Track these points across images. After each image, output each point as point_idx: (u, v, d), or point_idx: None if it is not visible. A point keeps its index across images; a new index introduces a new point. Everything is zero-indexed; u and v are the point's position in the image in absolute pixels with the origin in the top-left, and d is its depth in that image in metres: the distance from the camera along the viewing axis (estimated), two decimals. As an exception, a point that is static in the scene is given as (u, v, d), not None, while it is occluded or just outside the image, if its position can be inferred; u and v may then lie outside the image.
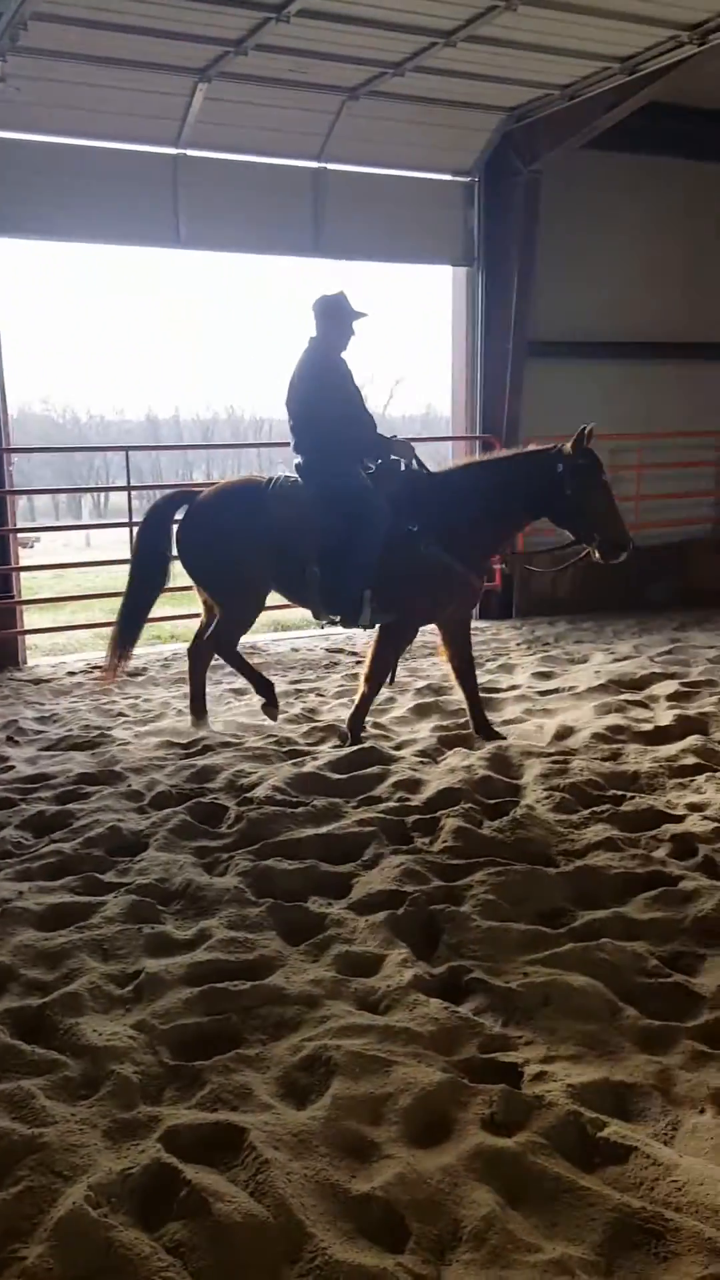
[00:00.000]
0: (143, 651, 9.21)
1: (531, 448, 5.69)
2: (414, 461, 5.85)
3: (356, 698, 5.97)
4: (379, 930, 3.61)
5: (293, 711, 6.66)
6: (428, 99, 8.89)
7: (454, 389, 10.82)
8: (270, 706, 6.11)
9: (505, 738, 5.89)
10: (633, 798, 4.94)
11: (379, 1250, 2.23)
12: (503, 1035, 3.01)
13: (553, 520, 5.64)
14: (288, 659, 8.55)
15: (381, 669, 5.89)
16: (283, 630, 10.54)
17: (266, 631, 10.40)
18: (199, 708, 6.45)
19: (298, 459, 5.87)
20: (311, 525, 5.65)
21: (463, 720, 6.32)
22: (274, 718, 6.17)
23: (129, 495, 9.58)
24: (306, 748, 5.82)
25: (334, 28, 7.31)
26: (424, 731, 6.14)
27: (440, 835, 4.49)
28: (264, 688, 6.12)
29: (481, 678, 7.58)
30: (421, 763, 5.52)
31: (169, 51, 7.65)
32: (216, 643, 6.12)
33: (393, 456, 5.80)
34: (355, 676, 7.09)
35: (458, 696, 7.01)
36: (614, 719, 6.32)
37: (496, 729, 6.07)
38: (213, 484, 6.48)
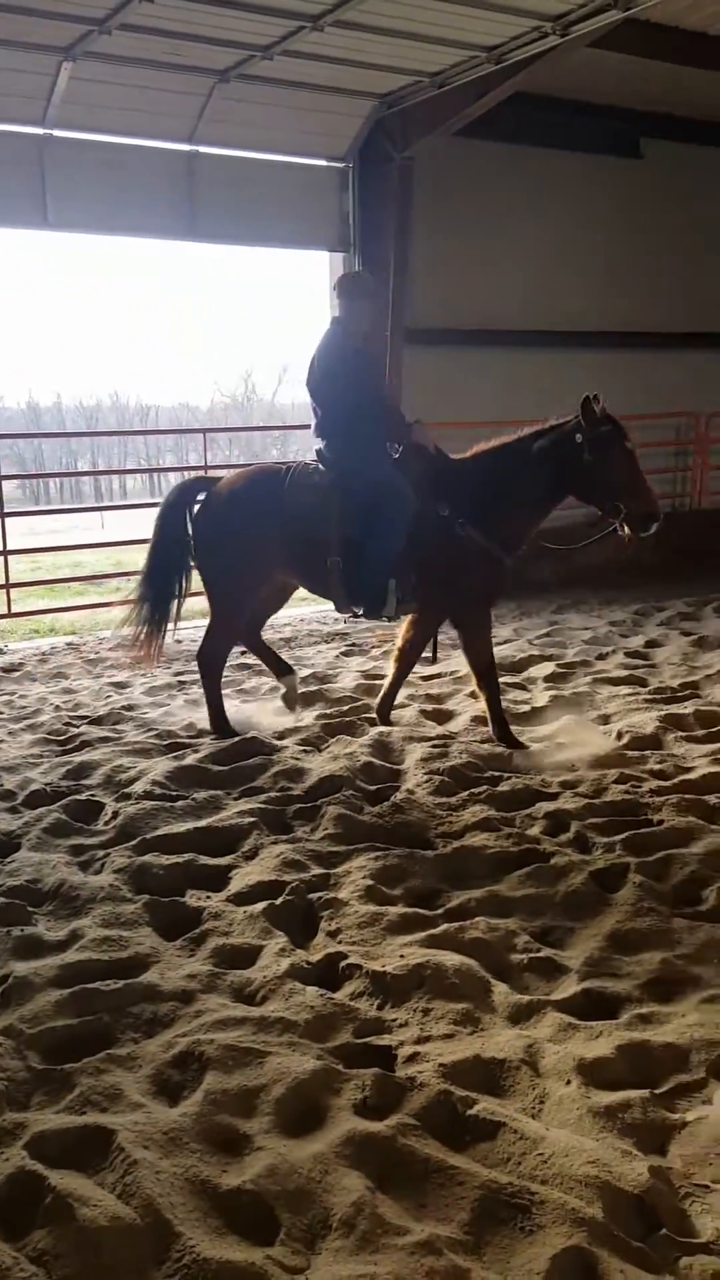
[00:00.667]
0: (19, 646, 8.99)
1: (551, 421, 5.45)
2: (438, 448, 5.63)
3: (489, 708, 5.65)
4: (257, 921, 3.59)
5: (176, 703, 6.57)
6: (299, 84, 8.83)
7: (334, 375, 10.80)
8: (217, 734, 5.82)
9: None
10: (509, 778, 5.03)
11: (248, 1244, 2.22)
12: (378, 1019, 3.03)
13: (577, 496, 5.36)
14: (170, 650, 8.43)
15: (480, 661, 5.65)
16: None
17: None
18: (282, 666, 6.23)
19: (318, 444, 5.65)
20: (332, 513, 5.45)
21: (346, 708, 6.34)
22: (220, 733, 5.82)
23: None
24: (188, 740, 5.75)
25: (201, 9, 7.19)
26: (308, 719, 6.13)
27: (321, 823, 4.49)
28: (221, 721, 5.84)
29: (366, 664, 7.62)
30: (305, 751, 5.51)
31: (32, 29, 7.41)
32: (201, 660, 5.86)
33: (416, 440, 5.56)
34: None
35: (341, 684, 7.05)
36: (494, 701, 6.41)
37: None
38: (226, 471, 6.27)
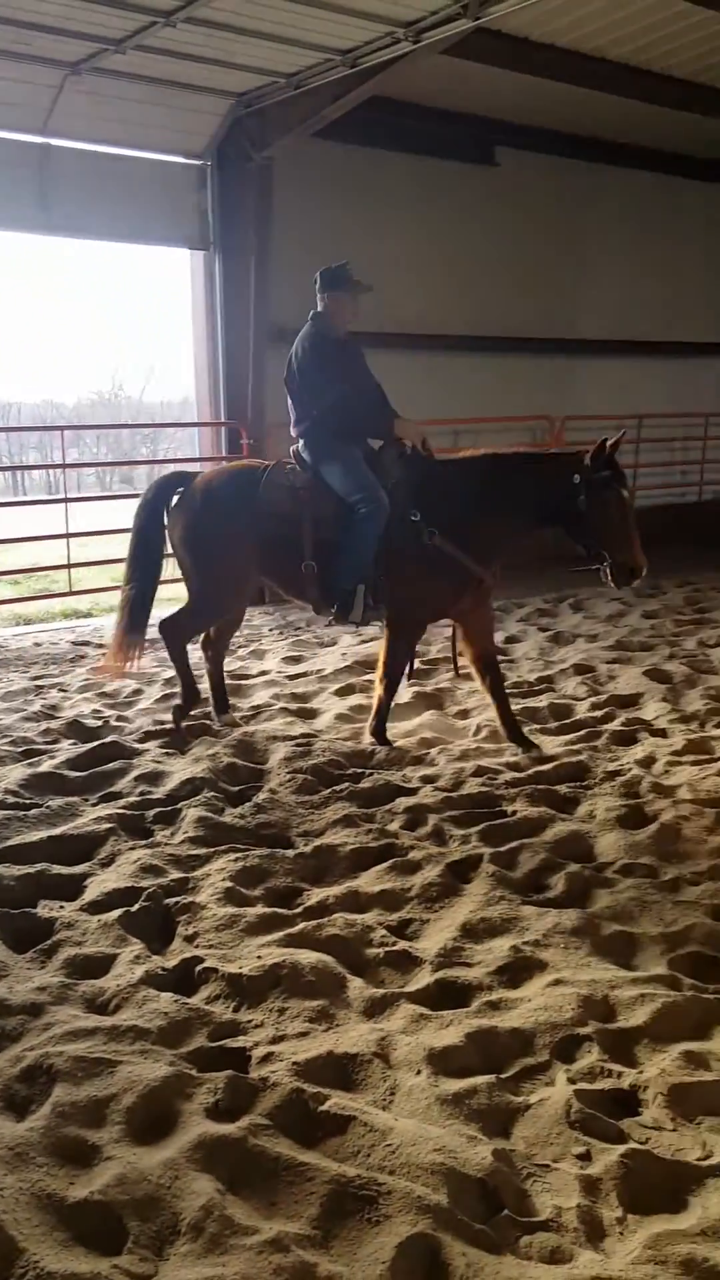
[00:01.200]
0: None
1: (553, 450, 5.31)
2: (421, 446, 5.42)
3: (373, 703, 5.61)
4: (112, 929, 3.53)
5: (31, 709, 6.41)
6: (154, 79, 8.71)
7: (197, 374, 10.71)
8: (180, 712, 5.77)
9: (539, 748, 5.42)
10: (371, 774, 5.08)
11: (95, 1255, 2.19)
12: (233, 1021, 3.03)
13: (565, 531, 5.15)
14: (30, 653, 8.22)
15: (395, 669, 5.52)
16: (24, 624, 10.11)
17: (7, 626, 9.95)
18: (223, 705, 6.07)
19: (299, 442, 5.52)
20: (306, 514, 5.32)
21: (210, 709, 6.29)
22: (177, 723, 5.75)
23: None
24: (44, 746, 5.61)
25: (52, 0, 7.02)
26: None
27: (181, 826, 4.45)
28: (190, 695, 5.77)
29: (231, 664, 7.58)
30: (166, 754, 5.45)
31: None
32: (170, 625, 5.71)
33: (398, 439, 5.38)
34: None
35: (205, 686, 6.98)
36: (357, 699, 6.47)
37: (388, 733, 5.67)
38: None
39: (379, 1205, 2.26)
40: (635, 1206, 2.27)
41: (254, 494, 5.36)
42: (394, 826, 4.45)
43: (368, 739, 5.57)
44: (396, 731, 5.80)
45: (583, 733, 5.77)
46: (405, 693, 6.62)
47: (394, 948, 3.42)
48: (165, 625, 5.73)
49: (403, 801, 4.70)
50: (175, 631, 5.72)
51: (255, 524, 5.34)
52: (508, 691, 5.67)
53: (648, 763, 5.20)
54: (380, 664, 5.55)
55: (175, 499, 5.63)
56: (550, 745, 5.53)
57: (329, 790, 4.87)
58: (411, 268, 11.42)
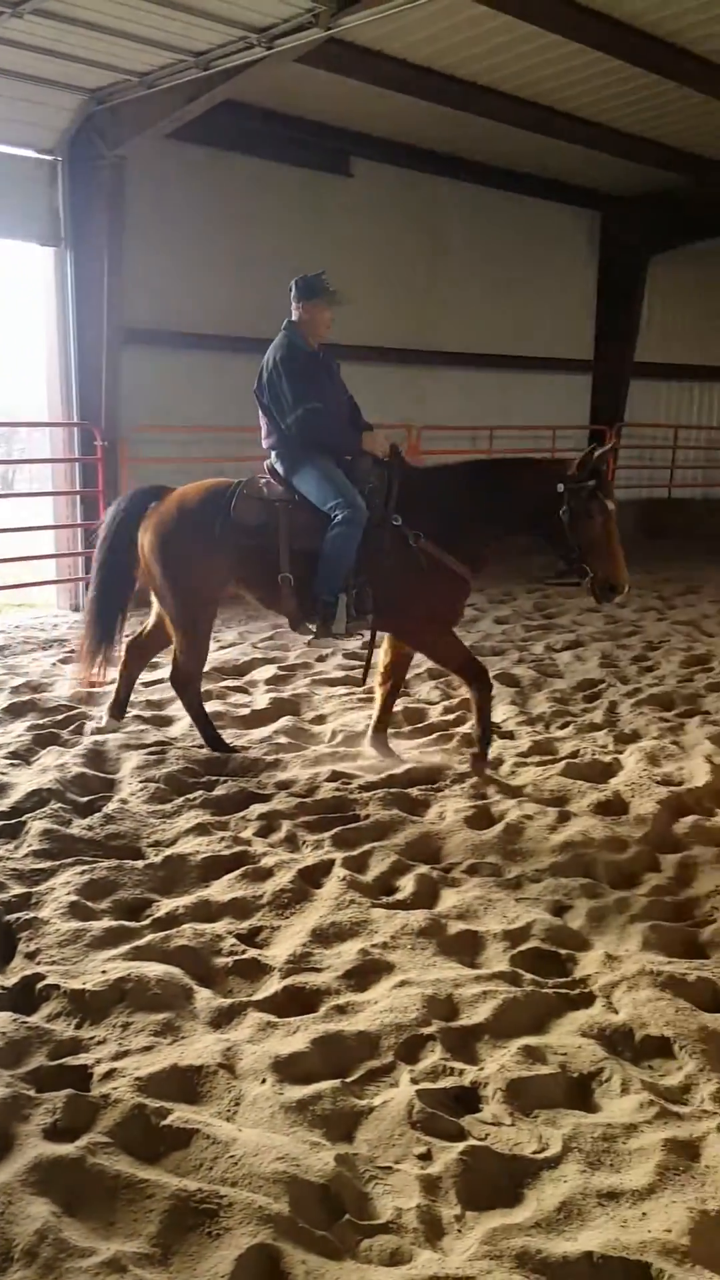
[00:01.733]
0: None
1: (535, 457, 5.25)
2: (395, 455, 5.29)
3: (473, 711, 5.27)
4: (-52, 950, 3.40)
5: None
6: (3, 70, 8.45)
7: (48, 373, 10.43)
8: (220, 748, 5.52)
9: (396, 756, 5.40)
10: (225, 781, 5.04)
11: None
12: (74, 1039, 2.95)
13: (546, 543, 5.02)
14: None
15: (471, 664, 5.24)
16: None
17: None
18: (119, 709, 5.90)
19: (272, 456, 5.37)
20: (281, 525, 5.16)
21: (61, 717, 6.12)
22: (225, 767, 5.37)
23: None
24: None
25: None
26: (18, 731, 5.87)
27: (26, 839, 4.31)
28: (218, 746, 5.52)
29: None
30: (12, 765, 5.27)
31: None
32: (176, 680, 5.55)
33: (365, 449, 5.24)
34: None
35: (57, 693, 6.80)
36: (214, 705, 6.41)
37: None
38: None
39: (220, 1218, 2.23)
40: (473, 1203, 2.31)
41: (228, 508, 5.23)
42: (247, 834, 4.42)
43: (471, 751, 5.30)
44: (250, 738, 5.77)
45: (434, 736, 5.86)
46: (263, 699, 6.61)
47: (243, 956, 3.40)
48: (174, 680, 5.60)
49: (257, 808, 4.67)
50: (184, 679, 5.53)
51: (229, 537, 5.20)
52: (361, 699, 5.72)
53: (495, 764, 5.32)
54: (456, 674, 5.36)
55: (147, 512, 5.46)
56: (404, 749, 5.60)
57: (182, 799, 4.80)
58: (266, 274, 11.41)
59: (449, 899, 3.82)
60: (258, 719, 6.19)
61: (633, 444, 15.71)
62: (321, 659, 7.83)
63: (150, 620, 5.81)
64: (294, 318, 5.38)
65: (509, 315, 14.15)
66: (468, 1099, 2.67)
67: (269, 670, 7.38)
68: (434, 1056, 2.82)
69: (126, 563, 5.51)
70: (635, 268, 14.87)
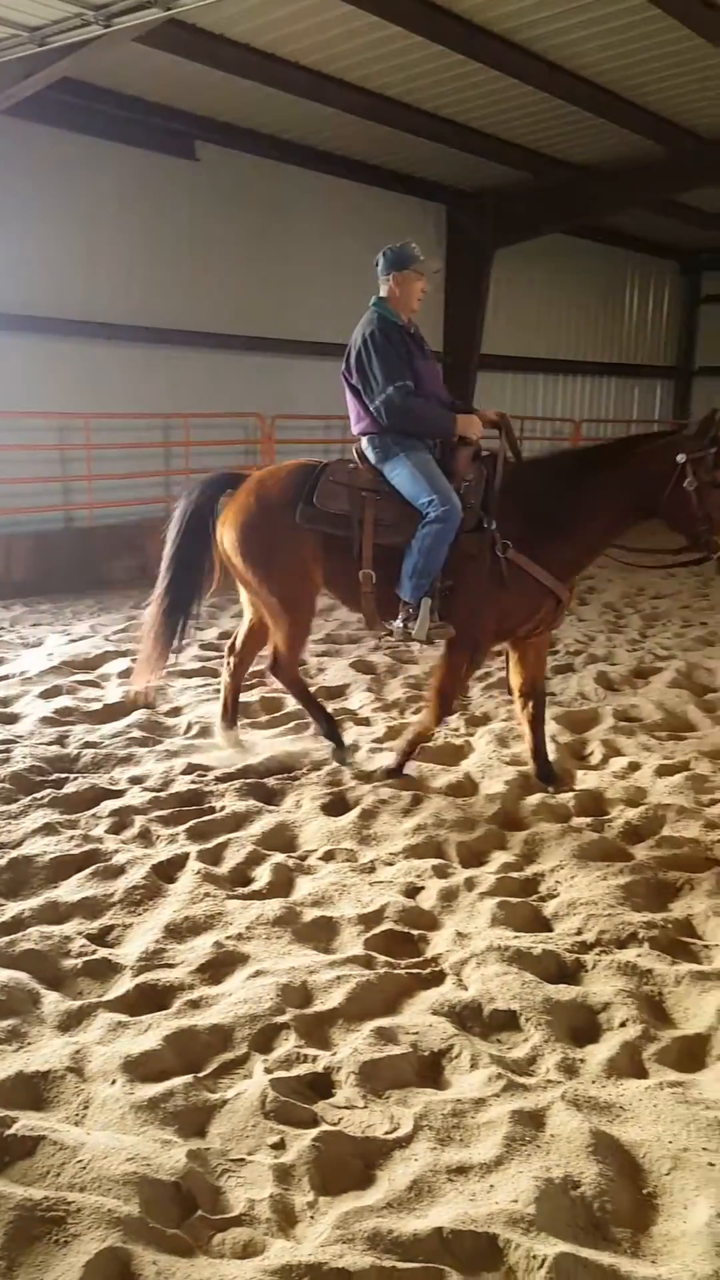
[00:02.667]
0: None
1: (641, 433, 4.78)
2: (507, 431, 4.87)
3: (409, 729, 5.10)
4: None
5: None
6: None
7: None
8: (338, 750, 5.21)
9: (567, 783, 4.93)
10: (76, 779, 4.91)
11: None
12: None
13: (666, 522, 4.56)
14: None
15: (450, 692, 4.88)
16: None
17: None
18: (230, 719, 5.48)
19: (361, 441, 4.97)
20: (366, 519, 4.77)
21: None
22: (342, 761, 5.14)
23: None
24: None
25: None
26: None
27: None
28: (328, 726, 5.25)
29: None
30: None
31: None
32: (275, 667, 5.21)
33: (461, 436, 4.82)
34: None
35: None
36: (64, 701, 6.24)
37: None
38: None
39: (67, 1225, 2.17)
40: (326, 1188, 2.31)
41: (310, 495, 4.85)
42: (98, 831, 4.32)
43: (387, 760, 5.05)
44: (104, 733, 5.64)
45: (292, 725, 5.85)
46: (115, 693, 6.46)
47: (93, 956, 3.31)
48: (272, 668, 5.27)
49: (109, 805, 4.57)
50: (285, 667, 5.20)
51: (309, 524, 4.85)
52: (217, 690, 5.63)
53: (351, 751, 5.35)
54: (434, 685, 4.92)
55: (222, 502, 5.12)
56: (260, 739, 5.57)
57: (29, 798, 4.65)
58: (110, 257, 11.18)
59: (304, 886, 3.82)
60: (109, 713, 6.05)
61: (484, 435, 16.01)
62: (177, 650, 7.68)
63: (244, 621, 5.48)
64: (382, 293, 5.01)
65: (360, 306, 14.17)
66: (321, 1084, 2.67)
67: (123, 663, 7.22)
68: (288, 1045, 2.81)
69: (200, 560, 5.11)
70: (480, 261, 15.16)
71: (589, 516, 4.61)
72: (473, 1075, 2.66)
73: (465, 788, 4.88)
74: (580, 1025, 2.93)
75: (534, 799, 4.67)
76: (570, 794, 4.73)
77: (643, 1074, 2.69)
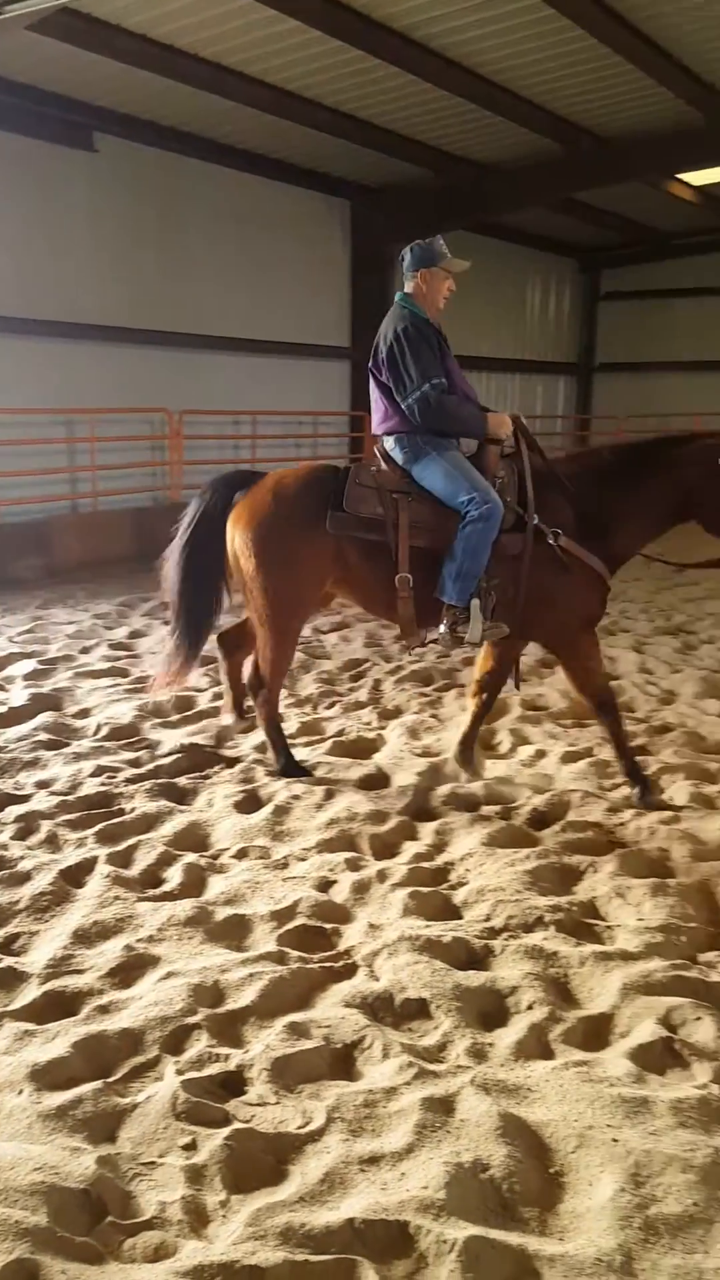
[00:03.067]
0: None
1: (680, 433, 4.71)
2: (526, 436, 4.79)
3: (611, 742, 4.74)
4: None
5: None
6: None
7: None
8: (285, 760, 4.98)
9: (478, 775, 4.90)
10: (-22, 785, 4.80)
11: None
12: None
13: (705, 526, 4.59)
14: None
15: (606, 693, 4.75)
16: None
17: None
18: (239, 703, 5.31)
19: (385, 440, 4.80)
20: (401, 521, 4.60)
21: None
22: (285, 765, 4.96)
23: None
24: None
25: None
26: None
27: None
28: (288, 760, 4.97)
29: None
30: None
31: None
32: (258, 686, 4.95)
33: (491, 435, 4.72)
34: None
35: None
36: (-33, 706, 6.09)
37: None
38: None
39: (-27, 1229, 2.13)
40: (239, 1187, 2.31)
41: (338, 497, 4.67)
42: (3, 838, 4.23)
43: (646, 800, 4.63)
44: (8, 737, 5.52)
45: (204, 723, 5.81)
46: (21, 694, 6.33)
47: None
48: (252, 683, 5.04)
49: (13, 810, 4.47)
50: (267, 686, 4.94)
51: (337, 532, 4.66)
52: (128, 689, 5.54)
53: (264, 748, 5.33)
54: (585, 698, 4.76)
55: (238, 500, 4.89)
56: (173, 738, 5.52)
57: (-71, 808, 4.53)
58: (4, 249, 10.92)
59: (217, 885, 3.80)
60: (15, 716, 5.92)
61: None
62: (85, 651, 7.59)
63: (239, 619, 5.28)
64: (408, 289, 4.87)
65: (266, 300, 14.17)
66: (233, 1083, 2.66)
67: (28, 665, 7.07)
68: (200, 1045, 2.79)
69: (215, 563, 4.89)
70: (383, 257, 15.21)
71: (632, 514, 4.64)
72: (384, 1065, 2.68)
73: (378, 780, 4.91)
74: (489, 1010, 2.97)
75: (444, 789, 4.72)
76: (480, 783, 4.80)
77: (549, 1055, 2.75)
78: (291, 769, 4.91)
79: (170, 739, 5.49)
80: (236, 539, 4.78)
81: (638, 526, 4.69)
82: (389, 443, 4.80)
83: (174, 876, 3.86)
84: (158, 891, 3.77)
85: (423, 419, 4.61)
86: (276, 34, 9.46)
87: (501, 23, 9.51)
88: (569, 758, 5.14)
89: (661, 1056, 2.71)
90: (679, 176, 14.83)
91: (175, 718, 5.97)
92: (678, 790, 4.69)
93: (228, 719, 5.43)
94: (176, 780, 4.85)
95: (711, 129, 12.32)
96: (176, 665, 5.05)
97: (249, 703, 5.23)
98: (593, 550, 4.60)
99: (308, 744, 5.43)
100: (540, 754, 5.26)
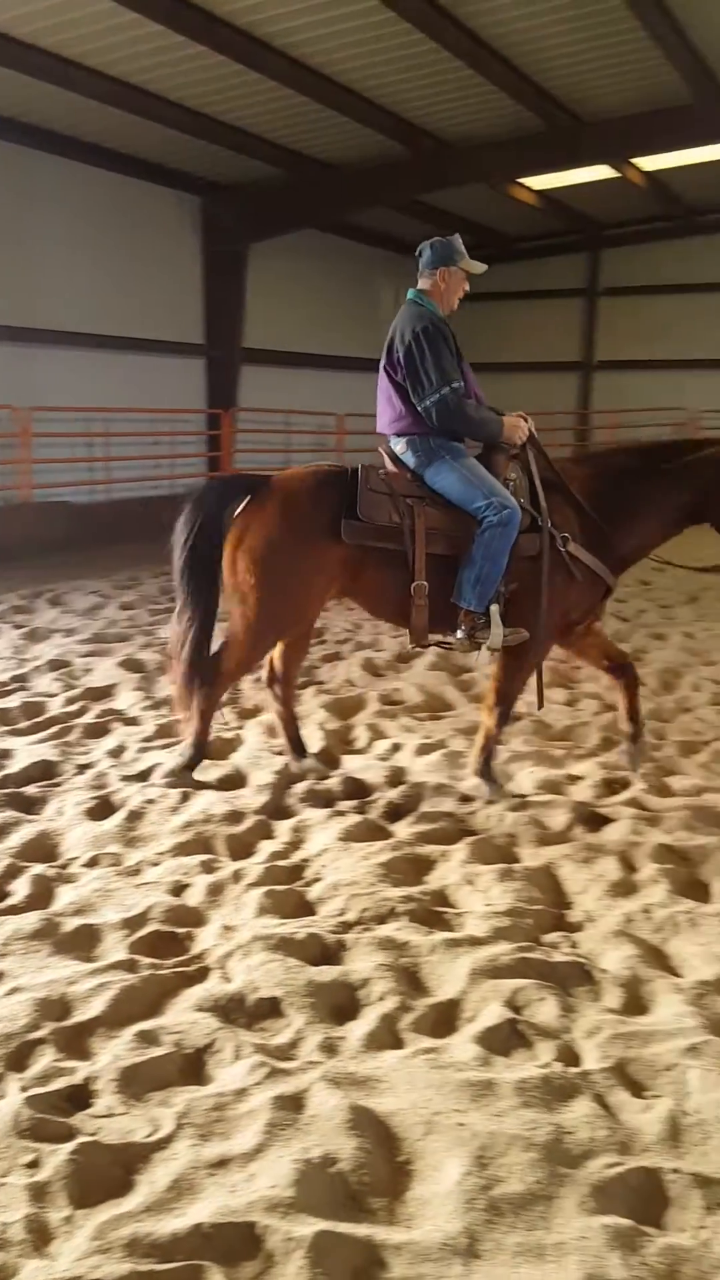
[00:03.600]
0: None
1: (693, 437, 4.47)
2: (533, 443, 4.69)
3: (478, 736, 4.75)
4: None
5: None
6: None
7: None
8: (189, 766, 4.76)
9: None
10: None
11: None
12: None
13: (716, 528, 4.63)
14: None
15: (511, 695, 4.71)
16: None
17: None
18: (298, 748, 5.00)
19: (397, 442, 4.65)
20: (416, 527, 4.46)
21: None
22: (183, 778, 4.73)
23: None
24: None
25: None
26: None
27: None
28: (201, 743, 4.76)
29: None
30: None
31: None
32: (214, 660, 4.58)
33: (507, 440, 4.61)
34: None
35: None
36: None
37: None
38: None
39: None
40: (84, 1201, 2.25)
41: (348, 502, 4.47)
42: None
43: (471, 780, 4.73)
44: None
45: (55, 729, 5.65)
46: None
47: None
48: (203, 665, 4.60)
49: None
50: (224, 671, 4.63)
51: (353, 541, 4.47)
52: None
53: (118, 752, 5.23)
54: (492, 690, 4.73)
55: (241, 506, 4.61)
56: (20, 745, 5.35)
57: None
58: None
59: (66, 896, 3.70)
60: None
61: (249, 428, 16.06)
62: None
63: (277, 648, 4.92)
64: (424, 286, 4.75)
65: (117, 296, 13.92)
66: (80, 1096, 2.60)
67: None
68: (45, 1060, 2.71)
69: (215, 567, 4.62)
70: (237, 254, 15.15)
71: (644, 516, 4.66)
72: (235, 1067, 2.66)
73: (235, 780, 4.87)
74: (342, 1003, 2.98)
75: (301, 787, 4.72)
76: (336, 778, 4.82)
77: (399, 1044, 2.77)
78: (197, 758, 4.78)
79: (18, 747, 5.33)
80: (242, 551, 4.52)
81: (647, 529, 4.72)
82: (399, 445, 4.71)
83: (20, 889, 3.74)
84: (2, 905, 3.65)
85: (439, 421, 4.52)
86: (117, 26, 9.30)
87: (341, 23, 9.59)
88: (423, 750, 5.21)
89: (507, 1038, 2.76)
90: (520, 181, 15.23)
91: (24, 724, 5.80)
92: (526, 777, 4.82)
93: (295, 762, 4.99)
94: (24, 790, 4.71)
95: (551, 134, 12.71)
96: (193, 686, 4.64)
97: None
98: (599, 554, 4.62)
99: (165, 747, 5.34)
100: (396, 747, 5.31)
